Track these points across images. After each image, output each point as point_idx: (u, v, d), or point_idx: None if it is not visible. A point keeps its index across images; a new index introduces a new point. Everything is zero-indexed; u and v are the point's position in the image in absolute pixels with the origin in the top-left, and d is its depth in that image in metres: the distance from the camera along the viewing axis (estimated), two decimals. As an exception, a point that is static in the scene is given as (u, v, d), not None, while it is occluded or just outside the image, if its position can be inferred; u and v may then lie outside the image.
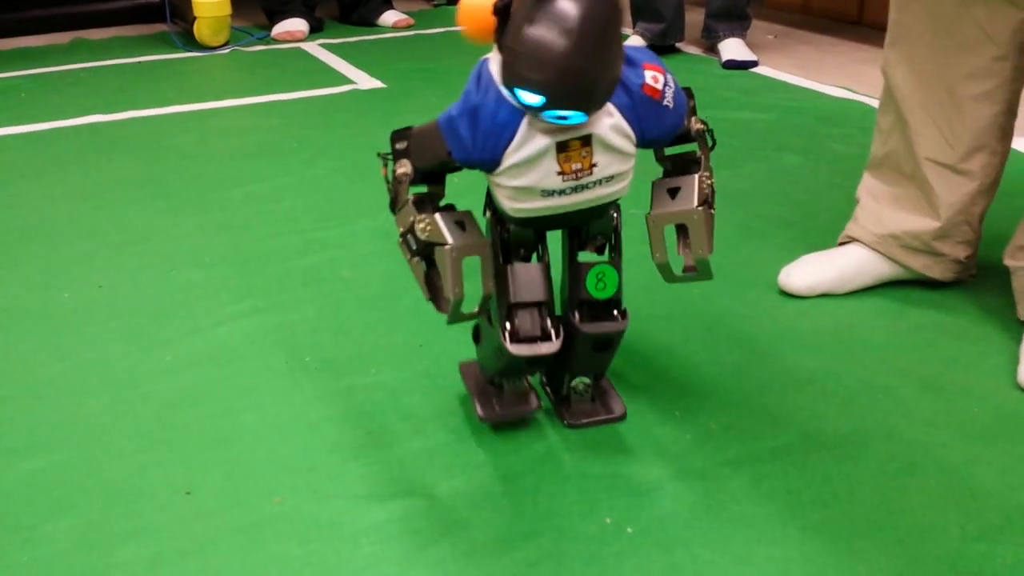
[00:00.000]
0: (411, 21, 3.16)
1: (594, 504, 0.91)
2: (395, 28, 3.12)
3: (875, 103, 2.18)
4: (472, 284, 0.88)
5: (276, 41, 2.96)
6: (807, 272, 1.31)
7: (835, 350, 1.17)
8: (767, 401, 1.07)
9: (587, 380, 1.01)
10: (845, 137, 1.96)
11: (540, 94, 0.75)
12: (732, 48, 2.53)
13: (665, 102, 0.85)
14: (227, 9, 2.84)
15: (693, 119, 0.90)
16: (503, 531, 0.88)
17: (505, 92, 0.80)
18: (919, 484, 0.94)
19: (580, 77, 0.74)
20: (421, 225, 0.87)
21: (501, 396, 1.01)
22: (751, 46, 2.59)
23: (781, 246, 1.45)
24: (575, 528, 0.88)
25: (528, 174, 0.83)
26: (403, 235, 0.90)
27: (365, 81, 2.49)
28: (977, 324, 1.23)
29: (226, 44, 2.89)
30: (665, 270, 0.92)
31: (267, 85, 2.46)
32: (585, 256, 0.95)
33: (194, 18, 2.82)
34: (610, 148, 0.84)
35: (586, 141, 0.82)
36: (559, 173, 0.83)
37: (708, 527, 0.88)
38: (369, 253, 1.47)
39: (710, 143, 0.91)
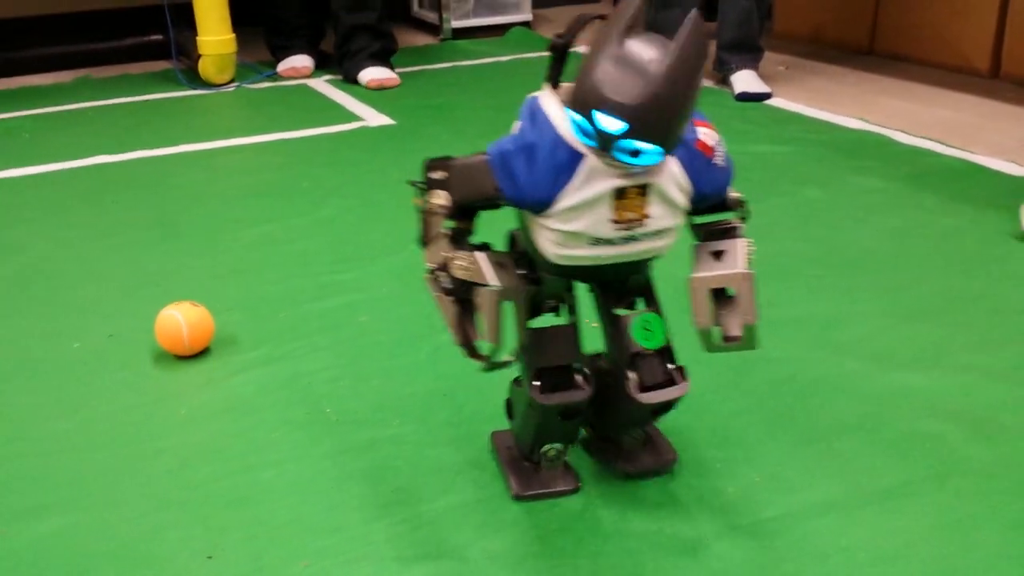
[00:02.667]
0: (394, 82, 2.79)
1: (638, 565, 0.86)
2: (368, 88, 2.76)
3: (891, 133, 2.16)
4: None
5: (282, 78, 2.94)
6: None
7: (878, 393, 1.13)
8: (810, 450, 1.03)
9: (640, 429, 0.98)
10: (864, 169, 1.92)
11: (623, 120, 0.71)
12: (745, 80, 2.51)
13: (716, 160, 0.83)
14: (232, 46, 2.82)
15: (728, 188, 0.87)
16: (543, 597, 0.83)
17: (564, 131, 0.77)
18: (979, 538, 0.89)
19: (668, 108, 0.71)
20: (462, 263, 0.83)
21: (537, 472, 0.96)
22: (763, 78, 2.57)
23: (808, 285, 1.41)
24: (619, 592, 0.83)
25: (581, 219, 0.79)
26: (433, 271, 0.86)
27: (373, 118, 2.47)
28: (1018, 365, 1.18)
29: (231, 81, 2.87)
30: (706, 337, 0.86)
31: (274, 123, 2.44)
32: (620, 311, 0.91)
33: (199, 55, 2.80)
34: (666, 200, 0.80)
35: (643, 191, 0.79)
36: (612, 221, 0.79)
37: (759, 590, 0.83)
38: (386, 297, 1.43)
39: (746, 214, 0.88)
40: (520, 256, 0.88)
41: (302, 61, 2.96)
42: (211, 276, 1.52)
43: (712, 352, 0.87)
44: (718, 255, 0.86)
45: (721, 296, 0.86)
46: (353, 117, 2.48)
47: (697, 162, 0.81)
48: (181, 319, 1.24)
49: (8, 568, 0.88)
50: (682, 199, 0.81)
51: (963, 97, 2.50)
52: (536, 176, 0.78)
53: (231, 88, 2.83)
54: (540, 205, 0.79)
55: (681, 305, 0.92)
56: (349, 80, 2.87)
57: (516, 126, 0.82)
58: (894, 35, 2.87)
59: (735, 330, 0.85)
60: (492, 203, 0.82)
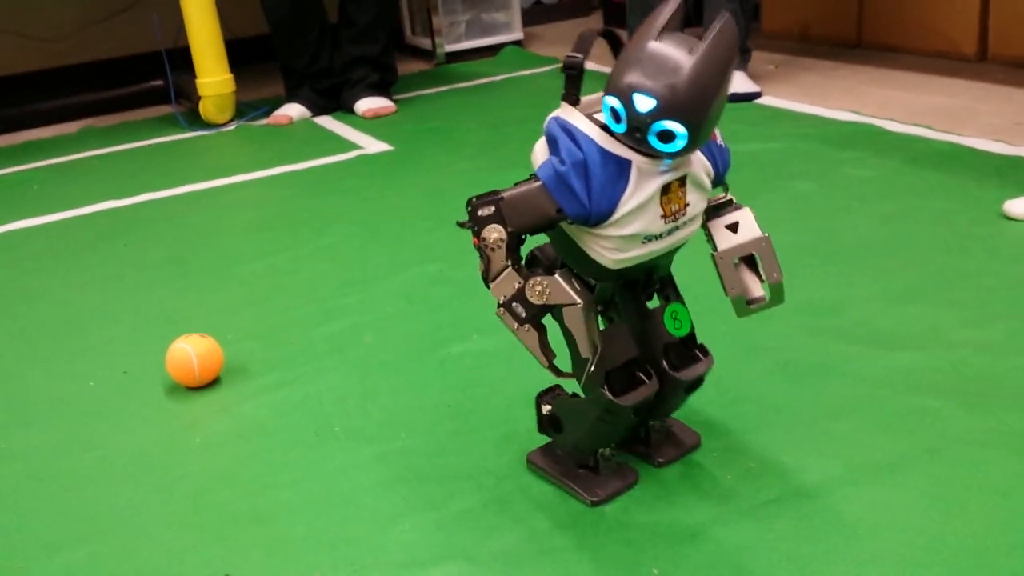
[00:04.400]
0: (390, 110, 2.84)
1: (639, 555, 0.89)
2: (365, 118, 2.81)
3: (882, 123, 2.18)
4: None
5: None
6: None
7: (873, 373, 1.15)
8: (806, 432, 1.05)
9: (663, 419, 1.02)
10: (857, 161, 1.95)
11: (654, 98, 0.76)
12: (735, 81, 2.54)
13: (720, 142, 0.90)
14: (231, 86, 2.88)
15: None
16: (550, 590, 0.86)
17: (605, 142, 0.81)
18: (972, 508, 0.91)
19: (696, 92, 0.76)
20: (539, 288, 0.86)
21: (597, 475, 0.99)
22: (753, 77, 2.60)
23: (804, 274, 1.44)
24: (623, 581, 0.86)
25: (638, 220, 0.83)
26: (505, 304, 0.88)
27: (372, 145, 2.52)
28: (1012, 337, 1.21)
29: (231, 120, 2.93)
30: (740, 304, 0.93)
31: (276, 158, 2.49)
32: (649, 304, 0.96)
33: (199, 97, 2.86)
34: (699, 186, 0.86)
35: (683, 181, 0.84)
36: (662, 216, 0.84)
37: (759, 571, 0.86)
38: (389, 316, 1.47)
39: (727, 187, 0.95)
40: (565, 269, 0.90)
41: (287, 110, 2.90)
42: (221, 309, 1.56)
43: (744, 316, 0.93)
44: (733, 227, 0.92)
45: (740, 263, 0.92)
46: (352, 146, 2.53)
47: (711, 146, 0.88)
48: (191, 351, 1.28)
49: (38, 599, 0.92)
50: (708, 182, 0.88)
51: (953, 82, 2.52)
52: (596, 190, 0.81)
53: (232, 127, 2.89)
54: (603, 216, 0.83)
55: (689, 286, 0.95)
56: (347, 110, 2.91)
57: (540, 149, 0.86)
58: (881, 26, 2.90)
59: (759, 291, 0.92)
60: (550, 226, 0.85)
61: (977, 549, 0.86)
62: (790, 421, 1.08)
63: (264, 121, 2.92)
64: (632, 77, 0.77)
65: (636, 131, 0.78)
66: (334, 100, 2.96)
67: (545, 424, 1.01)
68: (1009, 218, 1.56)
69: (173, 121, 3.00)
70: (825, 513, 0.92)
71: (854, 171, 1.89)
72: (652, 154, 0.80)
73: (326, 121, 2.86)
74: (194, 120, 2.93)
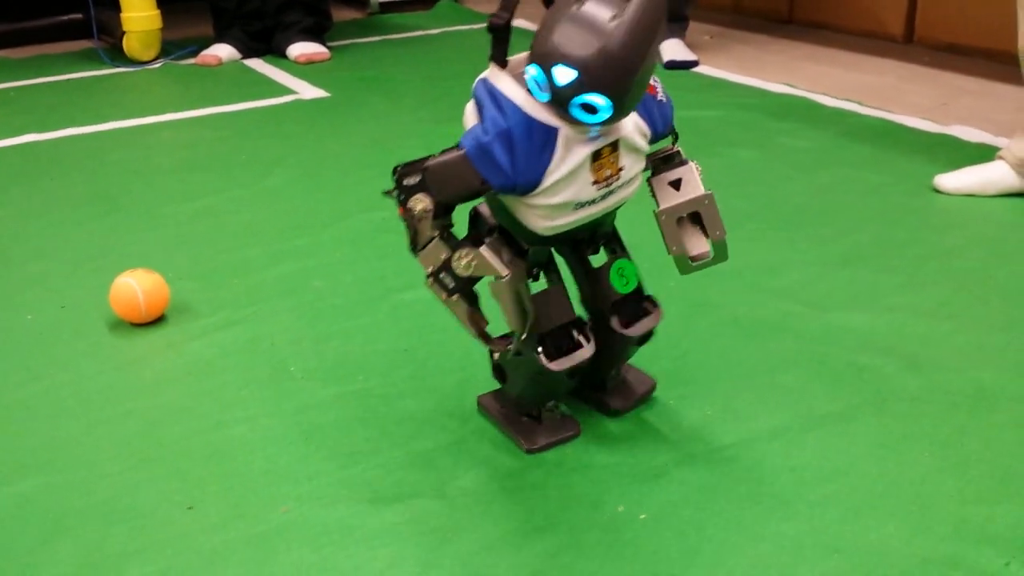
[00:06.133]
0: (324, 56, 2.78)
1: (604, 494, 0.91)
2: (298, 63, 2.75)
3: (817, 98, 2.25)
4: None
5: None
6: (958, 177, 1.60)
7: (816, 331, 1.20)
8: (757, 384, 1.09)
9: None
10: (793, 131, 2.00)
11: (575, 69, 0.73)
12: (672, 49, 2.57)
13: (659, 97, 0.87)
14: (158, 22, 2.77)
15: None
16: (518, 525, 0.87)
17: (531, 109, 0.78)
18: (914, 455, 0.96)
19: (618, 62, 0.73)
20: (464, 260, 0.85)
21: (539, 425, 0.99)
22: (690, 46, 2.64)
23: (746, 237, 1.48)
24: (589, 518, 0.88)
25: (567, 188, 0.81)
26: (433, 274, 0.87)
27: (306, 91, 2.46)
28: (946, 303, 1.27)
29: (157, 58, 2.82)
30: (683, 262, 0.92)
31: (205, 98, 2.42)
32: (595, 260, 0.96)
33: (123, 33, 2.75)
34: (633, 149, 0.84)
35: (614, 146, 0.82)
36: (594, 183, 0.82)
37: (719, 508, 0.89)
38: (338, 262, 1.45)
39: (676, 137, 0.93)
40: (501, 234, 0.89)
41: (215, 50, 2.81)
42: (157, 248, 1.52)
43: (687, 273, 0.93)
44: (676, 184, 0.91)
45: (684, 220, 0.91)
46: (286, 91, 2.48)
47: (648, 104, 0.85)
48: (136, 286, 1.25)
49: (-16, 531, 0.89)
50: (644, 144, 0.86)
51: (881, 61, 2.61)
52: (521, 160, 0.79)
53: (157, 65, 2.78)
54: (530, 186, 0.81)
55: (636, 240, 0.97)
56: (279, 54, 2.84)
57: (471, 111, 0.83)
58: (812, 4, 2.97)
59: (703, 247, 0.92)
60: (476, 195, 0.83)
61: (924, 494, 0.91)
62: (740, 373, 1.12)
63: (191, 61, 2.82)
64: (552, 46, 0.73)
65: (558, 103, 0.76)
66: (265, 43, 2.88)
67: (494, 371, 1.02)
68: (939, 192, 1.63)
69: (94, 56, 2.88)
70: (779, 458, 0.96)
71: (790, 141, 1.95)
72: (578, 123, 0.78)
73: (257, 64, 2.79)
74: (116, 56, 2.81)
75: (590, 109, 0.75)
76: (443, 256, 0.86)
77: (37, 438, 1.03)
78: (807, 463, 0.95)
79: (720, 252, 0.92)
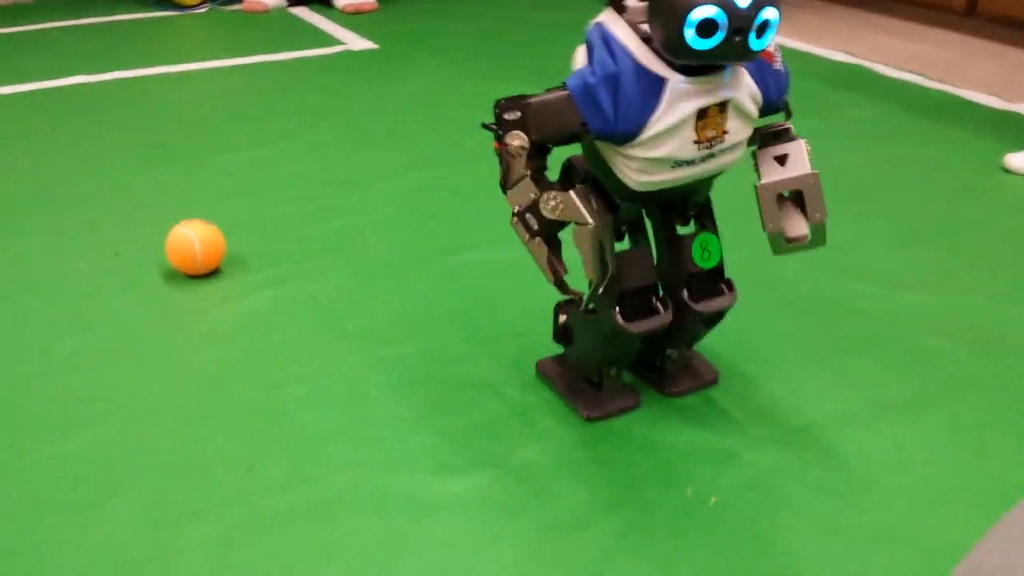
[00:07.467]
0: (371, 6, 2.76)
1: (672, 474, 0.89)
2: (344, 13, 2.73)
3: (875, 67, 2.18)
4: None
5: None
6: None
7: (885, 312, 1.16)
8: (825, 366, 1.06)
9: (681, 349, 0.99)
10: (854, 102, 1.95)
11: (718, 5, 0.70)
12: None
13: (777, 66, 0.84)
14: (205, -34, 2.74)
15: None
16: (585, 502, 0.85)
17: (642, 57, 0.76)
18: (989, 447, 0.93)
19: None
20: (552, 203, 0.83)
21: (600, 392, 0.97)
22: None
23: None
24: (658, 499, 0.86)
25: (667, 143, 0.79)
26: (519, 213, 0.86)
27: (355, 42, 2.43)
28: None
29: (203, 3, 2.79)
30: (777, 241, 0.89)
31: (252, 46, 2.38)
32: (682, 229, 0.93)
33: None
34: (742, 113, 0.81)
35: (723, 107, 0.79)
36: (695, 142, 0.80)
37: (791, 495, 0.87)
38: (390, 219, 1.43)
39: (790, 113, 0.90)
40: (593, 185, 0.87)
41: None
42: (208, 199, 1.50)
43: (780, 254, 0.90)
44: (781, 160, 0.88)
45: (784, 199, 0.88)
46: (333, 41, 2.44)
47: (764, 70, 0.82)
48: (193, 235, 1.23)
49: (40, 481, 0.88)
50: (755, 110, 0.82)
51: (942, 33, 2.53)
52: (623, 106, 0.77)
53: (203, 10, 2.75)
54: (629, 135, 0.78)
55: (728, 217, 0.94)
56: (324, 3, 2.80)
57: (580, 54, 0.81)
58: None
59: (801, 229, 0.88)
60: (574, 139, 0.81)
61: (1000, 488, 0.88)
62: (808, 354, 1.09)
63: (238, 6, 2.78)
64: None
65: (737, 34, 0.72)
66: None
67: (559, 333, 1.00)
68: (1009, 171, 1.58)
69: (139, -2, 2.85)
70: (851, 444, 0.93)
71: (852, 111, 1.89)
72: (730, 60, 0.75)
73: (303, 12, 2.75)
74: (163, 0, 2.78)
75: (763, 29, 0.73)
76: (532, 196, 0.84)
77: (91, 390, 1.02)
78: (880, 450, 0.93)
79: (818, 236, 0.89)
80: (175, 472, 0.89)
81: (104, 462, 0.90)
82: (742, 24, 0.72)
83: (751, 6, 0.72)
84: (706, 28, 0.72)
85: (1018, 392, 1.02)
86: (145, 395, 1.01)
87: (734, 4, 0.71)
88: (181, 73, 2.16)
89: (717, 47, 0.74)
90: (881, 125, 1.82)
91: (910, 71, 2.16)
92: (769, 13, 0.72)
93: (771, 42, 0.75)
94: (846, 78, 2.11)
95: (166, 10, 2.73)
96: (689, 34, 0.72)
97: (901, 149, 1.70)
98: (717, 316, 0.96)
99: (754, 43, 0.74)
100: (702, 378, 1.03)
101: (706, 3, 0.71)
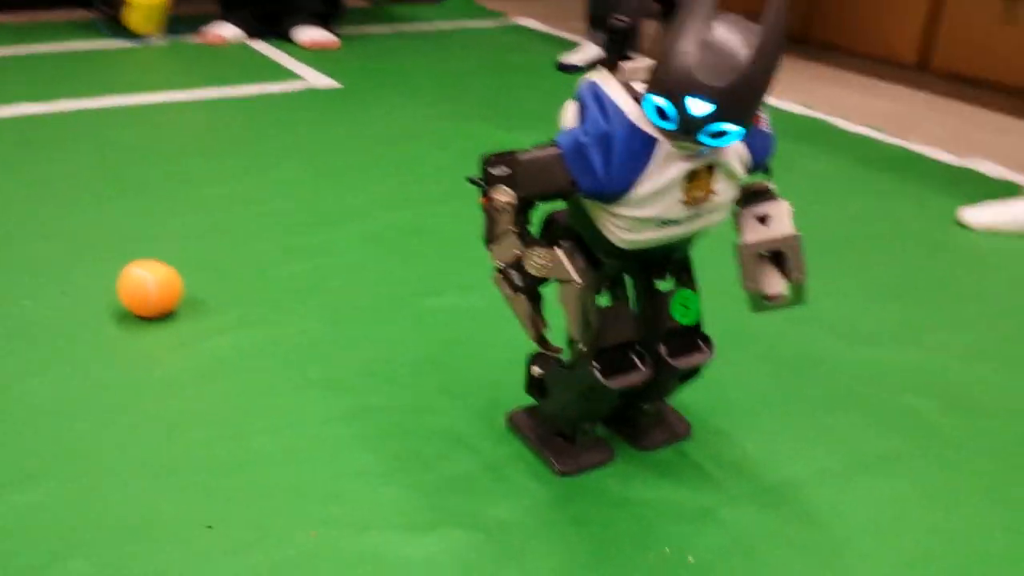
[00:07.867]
0: (333, 44, 2.72)
1: (649, 532, 0.87)
2: (305, 48, 2.70)
3: (834, 121, 2.22)
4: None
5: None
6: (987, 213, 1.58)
7: (856, 369, 1.16)
8: (798, 422, 1.05)
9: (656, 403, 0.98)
10: (812, 155, 1.97)
11: (712, 102, 0.70)
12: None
13: (763, 127, 0.83)
14: (163, -3, 2.70)
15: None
16: (563, 562, 0.83)
17: (636, 117, 0.75)
18: (963, 508, 0.93)
19: (754, 90, 0.71)
20: (540, 261, 0.82)
21: (573, 446, 0.95)
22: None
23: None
24: (635, 559, 0.84)
25: (656, 204, 0.78)
26: (503, 269, 0.85)
27: (316, 79, 2.40)
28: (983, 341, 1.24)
29: (158, 34, 2.74)
30: (756, 300, 0.88)
31: (211, 78, 2.35)
32: (660, 284, 0.92)
33: (124, 4, 2.66)
34: (730, 175, 0.81)
35: (711, 169, 0.79)
36: (683, 202, 0.79)
37: (769, 557, 0.85)
38: (357, 261, 1.40)
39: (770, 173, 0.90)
40: (576, 241, 0.86)
41: (223, 31, 2.75)
42: (166, 236, 1.46)
43: (759, 312, 0.89)
44: (763, 220, 0.87)
45: (764, 258, 0.88)
46: (294, 76, 2.41)
47: (752, 133, 0.81)
48: (149, 277, 1.19)
49: (-15, 537, 0.83)
50: (741, 171, 0.82)
51: (895, 88, 2.59)
52: (615, 166, 0.76)
53: (159, 41, 2.71)
54: (618, 195, 0.78)
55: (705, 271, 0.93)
56: (284, 38, 2.77)
57: (570, 113, 0.80)
58: (828, 25, 2.94)
59: (779, 288, 0.87)
60: (561, 196, 0.81)
61: (976, 549, 0.87)
62: (781, 411, 1.08)
63: (195, 39, 2.74)
64: (686, 78, 0.70)
65: (686, 132, 0.73)
66: (271, 25, 2.81)
67: (532, 385, 0.98)
68: (964, 226, 1.61)
69: (92, 27, 2.79)
70: (826, 504, 0.92)
71: (812, 165, 1.92)
72: (684, 140, 0.75)
73: (263, 47, 2.72)
74: (116, 29, 2.73)
75: (720, 135, 0.73)
76: (516, 252, 0.83)
77: (42, 441, 0.96)
78: (855, 510, 0.92)
79: (797, 295, 0.88)
80: (130, 531, 0.84)
81: (55, 521, 0.85)
82: (689, 127, 0.72)
83: (706, 116, 0.71)
84: (662, 113, 0.73)
85: (986, 450, 1.02)
86: (99, 447, 0.96)
87: (685, 109, 0.71)
88: (138, 106, 2.12)
89: (674, 132, 0.74)
90: (840, 180, 1.84)
91: (866, 125, 2.20)
92: (728, 127, 0.72)
93: (731, 143, 0.75)
94: (804, 132, 2.14)
95: (121, 38, 2.67)
96: (649, 110, 0.74)
97: (862, 203, 1.72)
98: (693, 372, 0.95)
99: (708, 141, 0.74)
100: (675, 431, 1.01)
101: (661, 93, 0.72)
